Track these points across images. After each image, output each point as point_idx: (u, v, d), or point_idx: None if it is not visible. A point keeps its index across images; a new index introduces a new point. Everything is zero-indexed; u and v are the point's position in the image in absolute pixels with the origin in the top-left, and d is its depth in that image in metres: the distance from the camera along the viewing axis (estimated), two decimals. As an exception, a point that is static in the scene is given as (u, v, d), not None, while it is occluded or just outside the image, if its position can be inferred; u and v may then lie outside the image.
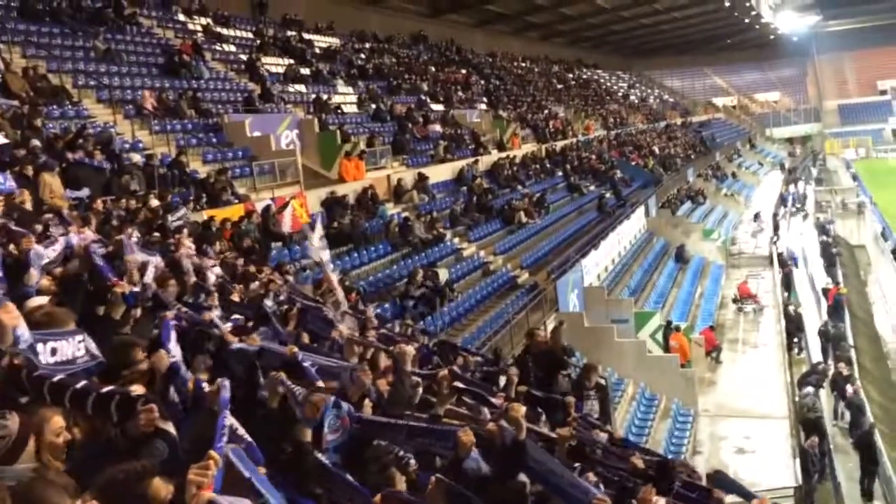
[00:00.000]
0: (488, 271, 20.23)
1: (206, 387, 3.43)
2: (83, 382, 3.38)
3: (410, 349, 6.31)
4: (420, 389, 6.14)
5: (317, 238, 11.15)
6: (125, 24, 21.67)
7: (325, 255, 11.49)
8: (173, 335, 4.66)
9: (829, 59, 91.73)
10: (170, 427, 3.14)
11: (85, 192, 11.52)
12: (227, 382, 3.18)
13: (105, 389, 3.33)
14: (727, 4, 65.47)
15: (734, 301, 27.13)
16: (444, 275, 17.26)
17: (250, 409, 4.03)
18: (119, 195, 12.20)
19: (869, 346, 23.51)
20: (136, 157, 14.38)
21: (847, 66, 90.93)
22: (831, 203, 47.73)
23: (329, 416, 4.41)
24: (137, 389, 3.52)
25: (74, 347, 3.85)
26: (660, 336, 20.10)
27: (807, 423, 15.78)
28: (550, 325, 15.63)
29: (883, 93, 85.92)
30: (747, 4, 68.80)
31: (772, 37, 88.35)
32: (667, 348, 19.74)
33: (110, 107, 17.34)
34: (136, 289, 5.78)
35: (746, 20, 76.19)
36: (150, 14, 23.85)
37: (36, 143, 12.20)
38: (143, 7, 23.60)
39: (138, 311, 5.47)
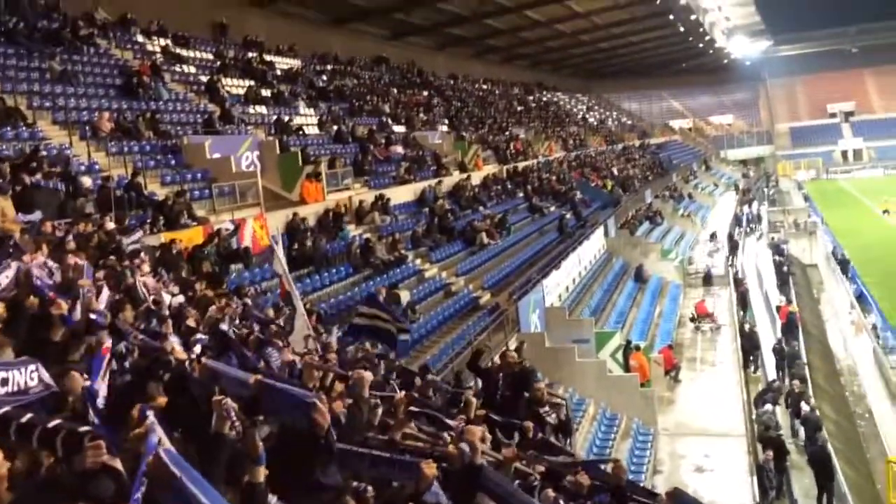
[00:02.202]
0: (450, 292, 20.27)
1: (150, 416, 3.38)
2: (28, 416, 3.32)
3: (368, 375, 6.30)
4: (379, 411, 6.14)
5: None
6: (82, 45, 21.38)
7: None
8: (103, 367, 4.59)
9: (780, 83, 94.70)
10: (117, 463, 3.09)
11: (38, 216, 11.29)
12: (156, 426, 3.13)
13: (51, 424, 3.27)
14: (681, 30, 67.16)
15: (692, 320, 27.57)
16: (405, 296, 17.25)
17: (205, 438, 3.99)
18: (74, 218, 11.99)
19: (822, 363, 24.05)
20: (88, 181, 14.12)
21: (798, 89, 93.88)
22: (784, 223, 48.91)
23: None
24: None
25: (27, 377, 3.80)
26: (620, 356, 20.31)
27: (766, 440, 16.05)
28: (512, 346, 15.73)
29: (832, 116, 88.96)
30: (701, 30, 70.70)
31: (725, 61, 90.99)
32: (627, 368, 19.95)
33: (66, 128, 17.06)
34: (94, 316, 5.69)
35: (700, 45, 78.30)
36: (108, 35, 23.57)
37: (-12, 165, 11.95)
38: (100, 28, 23.32)
39: (93, 340, 5.38)
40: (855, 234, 44.17)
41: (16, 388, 3.72)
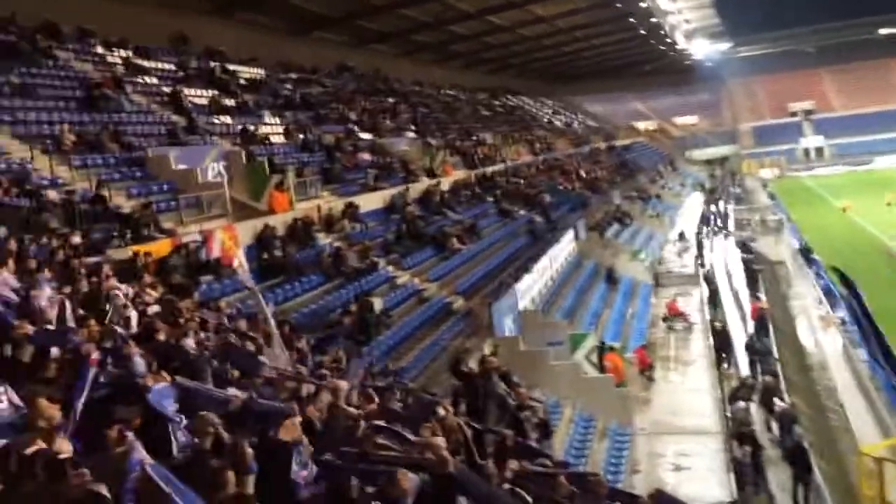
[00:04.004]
0: (423, 299, 20.16)
1: (130, 435, 3.27)
2: (4, 442, 3.19)
3: (343, 384, 6.19)
4: (362, 423, 6.04)
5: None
6: (41, 58, 20.96)
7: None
8: (89, 381, 4.49)
9: (742, 84, 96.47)
10: (103, 489, 2.97)
11: (3, 232, 10.99)
12: (137, 444, 3.05)
13: (29, 450, 3.15)
14: (642, 32, 67.97)
15: (664, 319, 27.72)
16: (378, 304, 17.12)
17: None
18: (38, 233, 11.70)
19: (793, 358, 24.34)
20: (52, 195, 13.82)
21: (759, 89, 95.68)
22: (751, 221, 49.60)
23: (296, 455, 4.42)
24: (62, 446, 3.33)
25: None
26: (594, 357, 20.34)
27: (742, 437, 16.17)
28: (487, 351, 15.67)
29: (793, 114, 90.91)
30: (662, 32, 71.61)
31: (687, 63, 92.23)
32: (601, 369, 19.99)
33: (27, 142, 16.68)
34: (51, 327, 5.54)
35: (662, 47, 79.38)
36: (68, 47, 23.12)
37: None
38: (59, 40, 22.86)
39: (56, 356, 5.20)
40: (819, 230, 45.05)
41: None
